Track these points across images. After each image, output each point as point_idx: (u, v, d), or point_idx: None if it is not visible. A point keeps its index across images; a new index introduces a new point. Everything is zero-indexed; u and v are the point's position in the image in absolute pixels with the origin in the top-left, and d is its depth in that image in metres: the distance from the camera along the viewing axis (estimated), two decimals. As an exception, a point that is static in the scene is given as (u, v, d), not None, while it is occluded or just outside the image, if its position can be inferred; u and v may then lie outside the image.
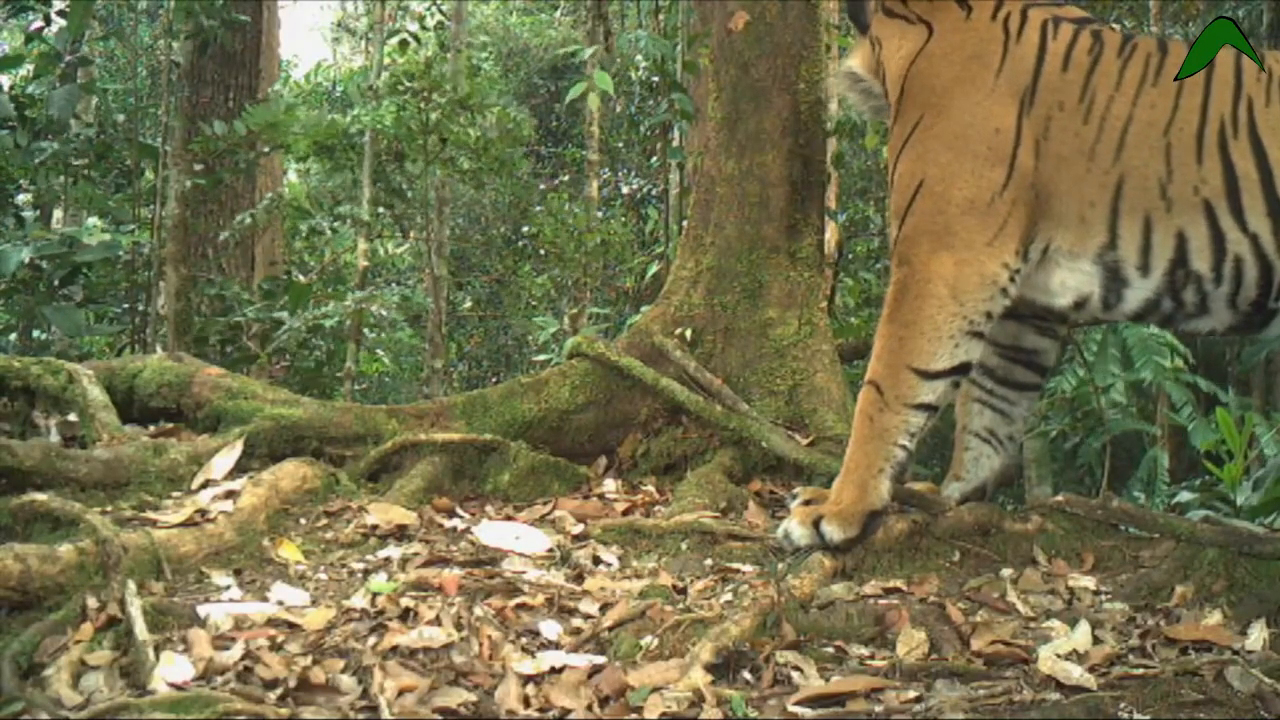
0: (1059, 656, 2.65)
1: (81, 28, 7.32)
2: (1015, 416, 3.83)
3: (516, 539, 3.53)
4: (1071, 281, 3.44)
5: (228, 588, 3.13)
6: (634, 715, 2.46)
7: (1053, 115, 3.41)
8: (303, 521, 3.63)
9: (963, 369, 3.43)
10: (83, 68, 8.29)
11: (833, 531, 3.26)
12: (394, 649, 2.72)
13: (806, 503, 3.52)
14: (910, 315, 3.38)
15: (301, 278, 9.47)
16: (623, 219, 11.50)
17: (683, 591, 3.14)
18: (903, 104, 3.56)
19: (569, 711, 2.49)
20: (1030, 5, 3.62)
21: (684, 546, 3.50)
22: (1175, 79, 3.37)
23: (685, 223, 5.55)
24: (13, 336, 7.89)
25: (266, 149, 8.36)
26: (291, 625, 2.87)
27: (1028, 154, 3.39)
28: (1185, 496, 6.51)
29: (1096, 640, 2.77)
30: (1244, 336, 3.52)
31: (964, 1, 3.63)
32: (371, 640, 2.76)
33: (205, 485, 3.76)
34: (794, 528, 3.33)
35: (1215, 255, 3.32)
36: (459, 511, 3.80)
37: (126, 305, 8.30)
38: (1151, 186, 3.34)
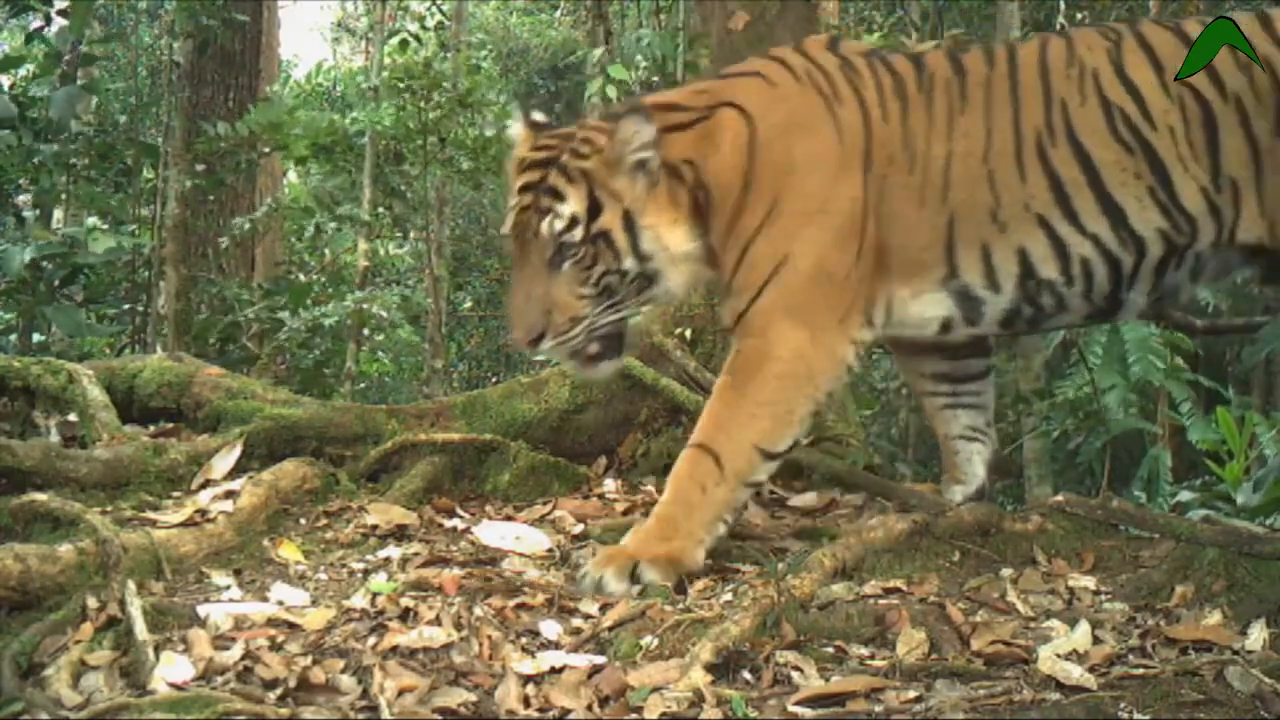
0: (1059, 656, 2.65)
1: (83, 28, 7.33)
2: (986, 403, 3.83)
3: (516, 539, 3.53)
4: (930, 311, 3.42)
5: (228, 588, 3.14)
6: (634, 715, 2.46)
7: (886, 173, 3.34)
8: (303, 521, 3.63)
9: (795, 446, 3.41)
10: (84, 68, 8.29)
11: (656, 577, 3.14)
12: (394, 649, 2.72)
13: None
14: (766, 395, 3.27)
15: (302, 278, 9.47)
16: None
17: (683, 591, 3.14)
18: (748, 196, 3.32)
19: (569, 711, 2.49)
20: (811, 53, 3.50)
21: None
22: (1091, 82, 3.30)
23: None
24: (13, 336, 7.90)
25: (267, 149, 8.36)
26: (291, 625, 2.87)
27: (872, 221, 3.33)
28: (1185, 496, 6.50)
29: (1096, 640, 2.77)
30: (1099, 323, 3.57)
31: (756, 75, 3.47)
32: (371, 640, 2.76)
33: (205, 485, 3.76)
34: (609, 578, 3.13)
35: (1061, 261, 3.32)
36: (459, 511, 3.80)
37: (126, 305, 8.30)
38: (982, 216, 3.31)
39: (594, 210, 3.22)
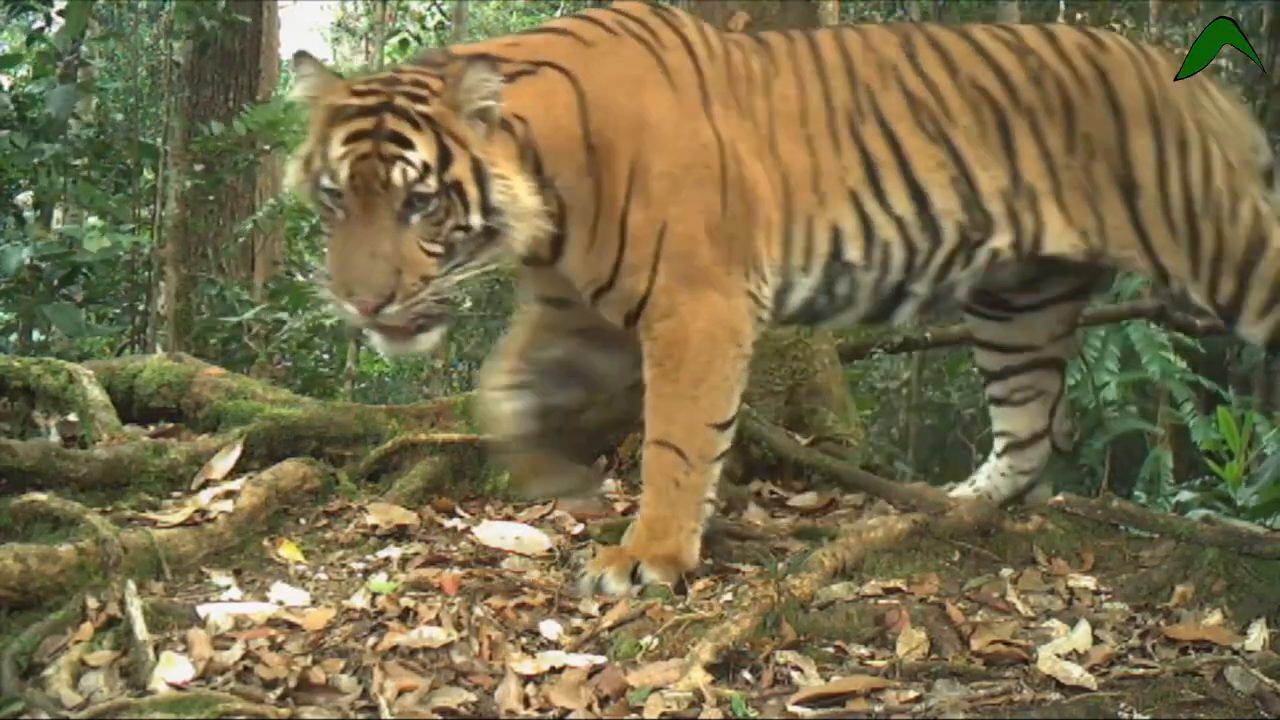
0: (1059, 656, 2.65)
1: (81, 27, 7.32)
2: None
3: (516, 539, 3.53)
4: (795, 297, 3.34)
5: (228, 588, 3.14)
6: (634, 715, 2.47)
7: (724, 115, 3.20)
8: (303, 521, 3.63)
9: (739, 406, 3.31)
10: (83, 67, 8.30)
11: (657, 576, 3.13)
12: (394, 649, 2.72)
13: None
14: (699, 371, 3.16)
15: (302, 278, 9.47)
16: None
17: (683, 591, 3.14)
18: (597, 161, 3.13)
19: (569, 711, 2.49)
20: (621, 7, 3.33)
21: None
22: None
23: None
24: (13, 336, 7.90)
25: (267, 148, 8.36)
26: (291, 625, 2.87)
27: (732, 162, 3.18)
28: (1185, 496, 6.50)
29: (1096, 640, 2.77)
30: (874, 325, 3.52)
31: (567, 34, 3.26)
32: (371, 640, 2.77)
33: (205, 485, 3.76)
34: (609, 578, 3.12)
35: (866, 242, 3.27)
36: (459, 511, 3.80)
37: (126, 305, 8.29)
38: (806, 182, 3.25)
39: (445, 158, 2.92)
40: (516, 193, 2.98)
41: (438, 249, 2.93)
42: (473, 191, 2.94)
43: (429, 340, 3.05)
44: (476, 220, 2.95)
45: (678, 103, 3.17)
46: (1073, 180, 3.27)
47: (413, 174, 2.89)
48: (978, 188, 3.26)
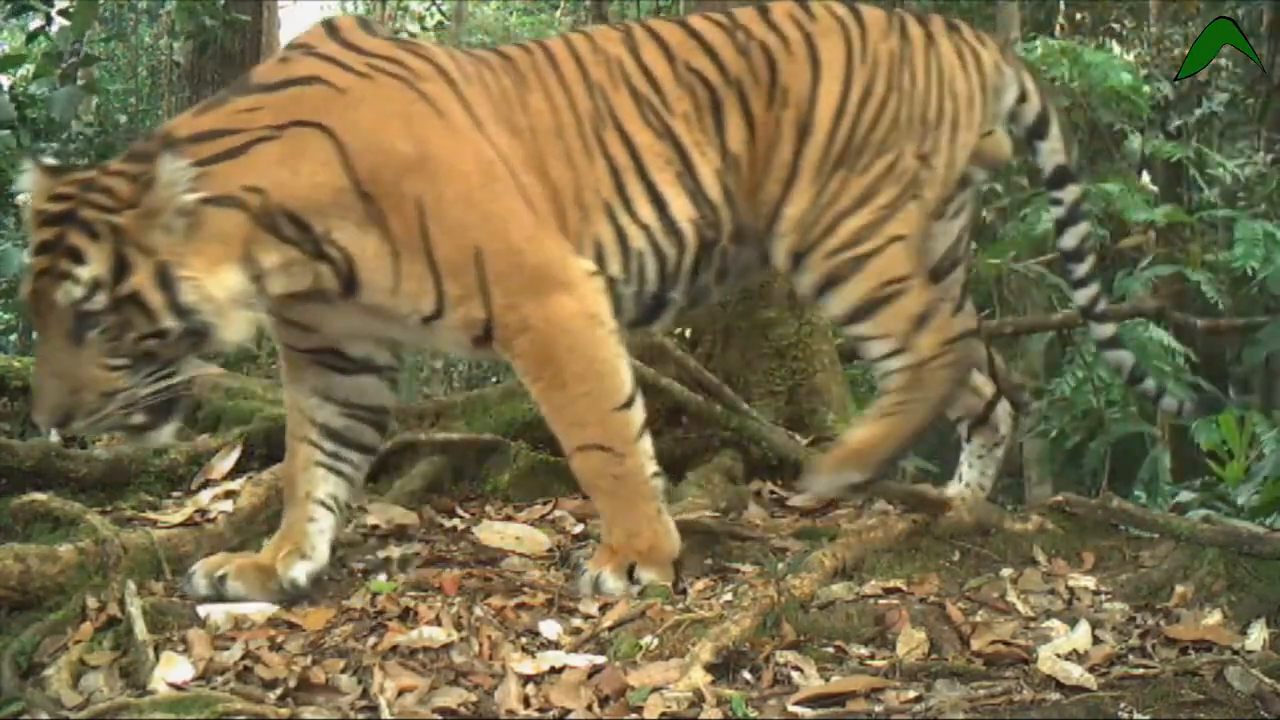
0: (1059, 656, 2.65)
1: (85, 28, 7.32)
2: (356, 480, 3.38)
3: (516, 539, 3.53)
4: None
5: (228, 588, 3.13)
6: (634, 715, 2.47)
7: (492, 135, 3.11)
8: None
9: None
10: (84, 68, 8.29)
11: (654, 575, 3.11)
12: (394, 649, 2.72)
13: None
14: (580, 368, 3.06)
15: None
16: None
17: (683, 591, 3.14)
18: (379, 205, 2.97)
19: (569, 711, 2.49)
20: (354, 41, 3.15)
21: (684, 546, 3.50)
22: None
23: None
24: (13, 336, 7.89)
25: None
26: (291, 625, 2.87)
27: (520, 169, 3.11)
28: (1186, 496, 6.50)
29: (1096, 640, 2.77)
30: (638, 329, 3.44)
31: (316, 81, 3.03)
32: (371, 640, 2.77)
33: (205, 485, 3.76)
34: (607, 576, 3.10)
35: (623, 257, 3.21)
36: (459, 511, 3.80)
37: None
38: (571, 197, 3.17)
39: (120, 271, 2.77)
40: (209, 291, 2.83)
41: (122, 362, 2.80)
42: (155, 299, 2.78)
43: (163, 435, 2.97)
44: (171, 324, 2.80)
45: (449, 129, 3.07)
46: (764, 132, 3.28)
47: (78, 292, 2.76)
48: (699, 177, 3.25)
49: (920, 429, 3.38)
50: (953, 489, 3.76)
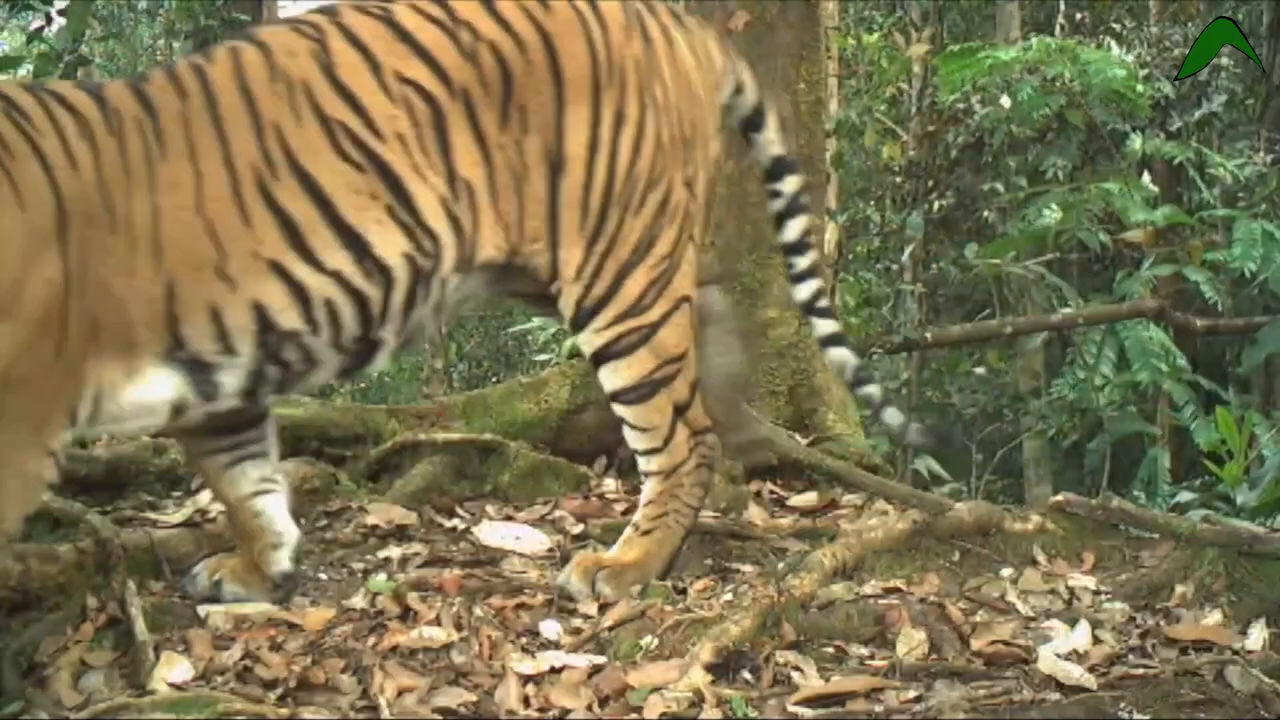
0: (1059, 656, 2.65)
1: (82, 27, 7.33)
2: (270, 449, 3.15)
3: (516, 539, 3.53)
4: (154, 395, 2.80)
5: (228, 587, 3.13)
6: (634, 715, 2.47)
7: (87, 237, 2.67)
8: (303, 521, 3.62)
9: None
10: (82, 67, 8.29)
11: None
12: (394, 649, 2.72)
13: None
14: None
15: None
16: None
17: (683, 591, 3.14)
18: None
19: (569, 711, 2.50)
20: None
21: (684, 546, 3.50)
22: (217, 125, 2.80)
23: (685, 223, 5.54)
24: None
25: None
26: (291, 625, 2.87)
27: (76, 300, 2.65)
28: (1185, 496, 6.50)
29: (1096, 640, 2.77)
30: (354, 373, 3.17)
31: None
32: (371, 640, 2.77)
33: (205, 485, 3.76)
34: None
35: (303, 309, 2.84)
36: (459, 511, 3.80)
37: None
38: (207, 276, 2.77)
39: None
40: None
41: None
42: None
43: None
44: None
45: (20, 231, 2.60)
46: (504, 161, 2.93)
47: None
48: (419, 207, 2.88)
49: (679, 545, 3.21)
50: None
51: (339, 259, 2.85)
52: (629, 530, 3.21)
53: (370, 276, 2.88)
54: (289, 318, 2.85)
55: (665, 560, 3.19)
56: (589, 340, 3.08)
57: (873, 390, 3.49)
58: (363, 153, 2.84)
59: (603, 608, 2.99)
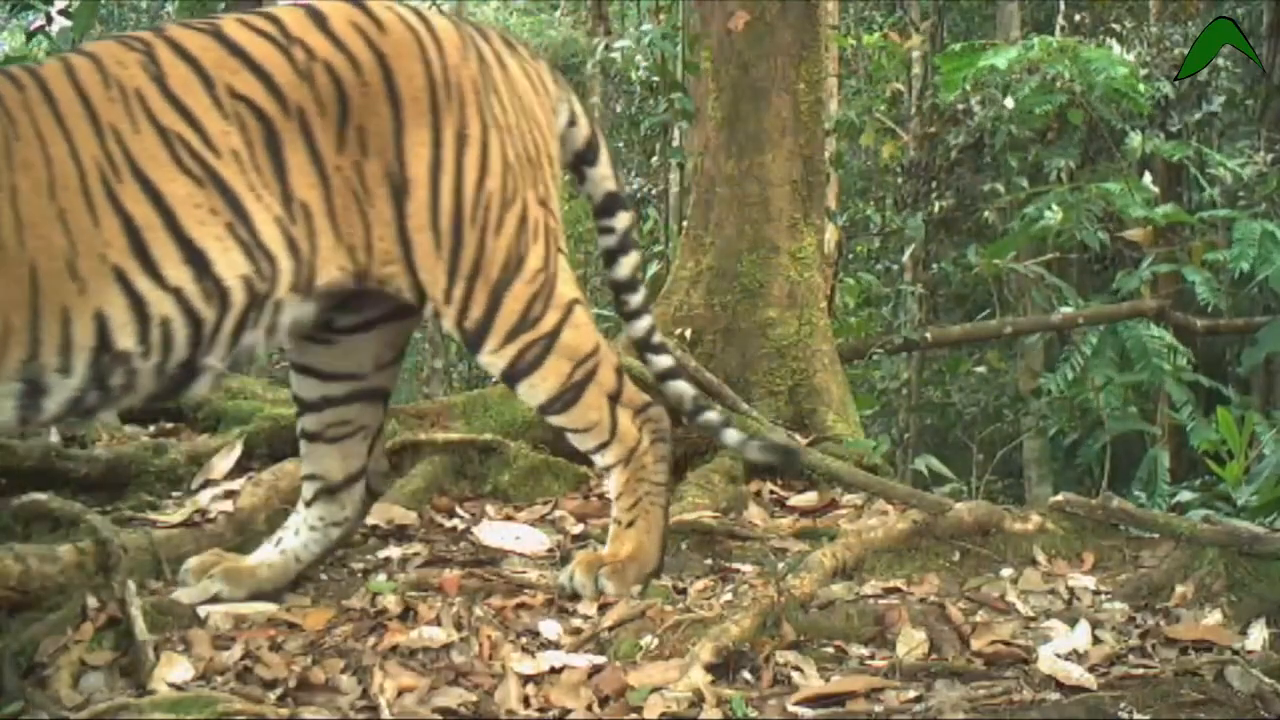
0: (1059, 656, 2.65)
1: (88, 27, 7.32)
2: None
3: (516, 539, 3.53)
4: None
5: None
6: (634, 715, 2.47)
7: None
8: (303, 521, 3.63)
9: None
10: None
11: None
12: (394, 649, 2.72)
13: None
14: None
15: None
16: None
17: (683, 591, 3.14)
18: None
19: (569, 711, 2.49)
20: None
21: (684, 546, 3.50)
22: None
23: (685, 223, 5.55)
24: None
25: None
26: (291, 625, 2.87)
27: None
28: (1185, 496, 6.50)
29: (1096, 640, 2.77)
30: (163, 401, 3.16)
31: None
32: (371, 640, 2.77)
33: (205, 485, 3.76)
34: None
35: (141, 326, 2.71)
36: (459, 511, 3.80)
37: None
38: (61, 269, 2.64)
39: None
40: None
41: None
42: None
43: None
44: None
45: None
46: (343, 183, 2.85)
47: None
48: (256, 227, 2.78)
49: (665, 525, 3.22)
50: (262, 552, 3.20)
51: (180, 275, 2.73)
52: (613, 528, 3.21)
53: (209, 297, 2.76)
54: (125, 335, 2.71)
55: (658, 545, 3.19)
56: (491, 362, 3.04)
57: (712, 416, 3.47)
58: (201, 167, 2.74)
59: (603, 608, 2.99)
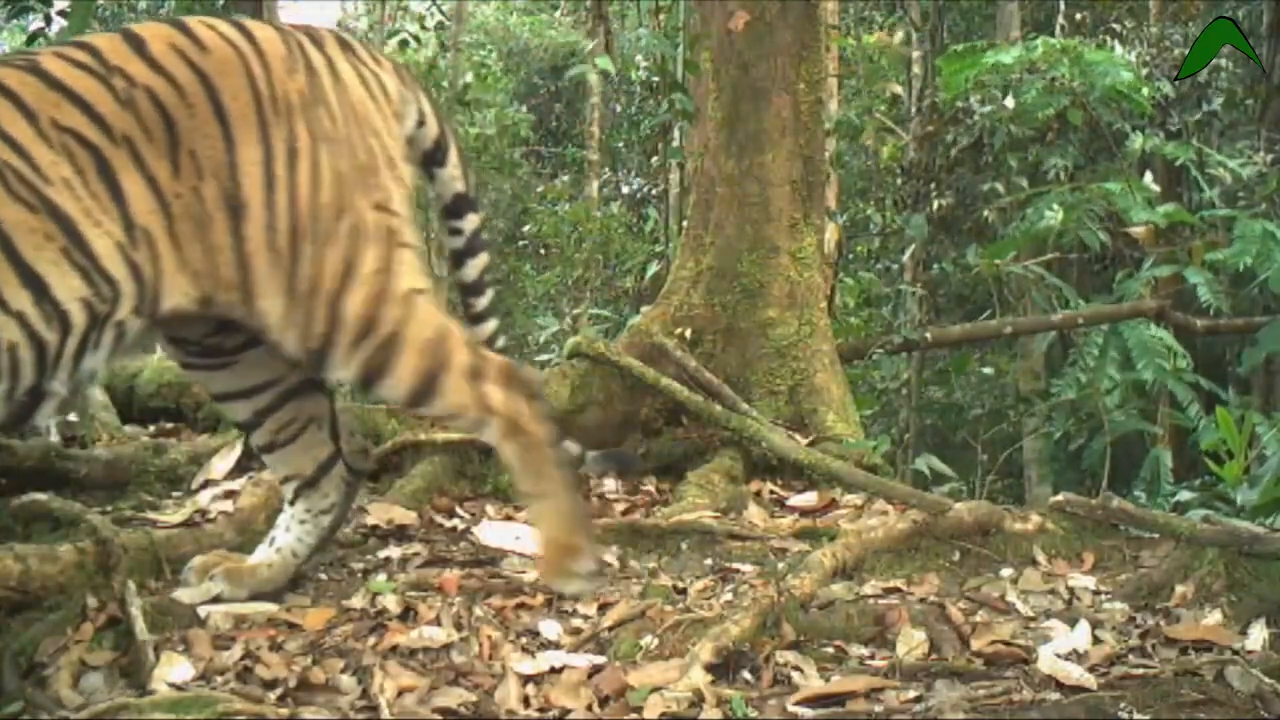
0: (1059, 656, 2.65)
1: (83, 28, 7.33)
2: None
3: (516, 539, 3.53)
4: None
5: (228, 587, 3.13)
6: (634, 715, 2.46)
7: None
8: (303, 522, 3.63)
9: None
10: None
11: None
12: (394, 649, 2.72)
13: None
14: None
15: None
16: (623, 217, 11.51)
17: (683, 591, 3.14)
18: None
19: (569, 711, 2.49)
20: None
21: (684, 546, 3.51)
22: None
23: (685, 223, 5.55)
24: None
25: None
26: (291, 625, 2.87)
27: None
28: (1186, 496, 6.50)
29: (1096, 640, 2.77)
30: (10, 431, 3.11)
31: None
32: (371, 640, 2.77)
33: (205, 485, 3.76)
34: None
35: None
36: (459, 511, 3.80)
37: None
38: None
39: None
40: None
41: None
42: None
43: None
44: None
45: None
46: (184, 210, 2.80)
47: None
48: (95, 252, 2.72)
49: (575, 481, 3.12)
50: (259, 554, 3.20)
51: (20, 299, 2.66)
52: (529, 511, 3.15)
53: (49, 321, 2.70)
54: None
55: (579, 504, 3.13)
56: (342, 376, 3.00)
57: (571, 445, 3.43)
58: (33, 194, 2.67)
59: (603, 607, 2.99)
